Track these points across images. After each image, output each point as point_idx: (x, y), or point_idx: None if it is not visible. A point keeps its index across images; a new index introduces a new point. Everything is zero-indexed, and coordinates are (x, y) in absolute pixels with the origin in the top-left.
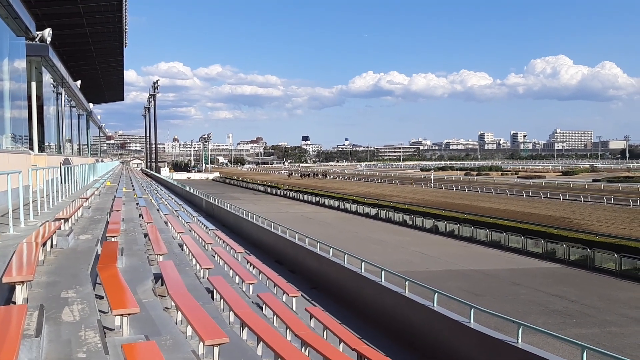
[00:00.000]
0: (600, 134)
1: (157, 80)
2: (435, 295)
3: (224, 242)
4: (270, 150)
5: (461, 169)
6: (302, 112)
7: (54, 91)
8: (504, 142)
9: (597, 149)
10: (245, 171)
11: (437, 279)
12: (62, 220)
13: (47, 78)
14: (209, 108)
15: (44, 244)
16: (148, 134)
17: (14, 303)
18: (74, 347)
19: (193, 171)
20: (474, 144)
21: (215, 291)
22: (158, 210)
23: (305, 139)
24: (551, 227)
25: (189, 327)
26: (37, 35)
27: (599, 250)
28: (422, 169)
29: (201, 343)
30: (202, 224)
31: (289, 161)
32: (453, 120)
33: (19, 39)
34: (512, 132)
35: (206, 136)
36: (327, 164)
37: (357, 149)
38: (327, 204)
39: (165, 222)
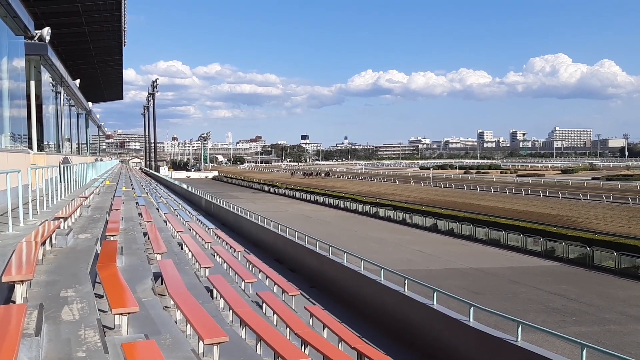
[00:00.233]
0: (599, 132)
1: (156, 79)
2: (435, 294)
3: (223, 241)
4: (270, 149)
5: (460, 168)
6: (301, 111)
7: (53, 90)
8: (503, 141)
9: (596, 147)
10: (245, 170)
11: (436, 277)
12: (62, 220)
13: (46, 77)
14: (208, 107)
15: (44, 243)
16: (147, 133)
17: (14, 302)
18: (73, 346)
19: (192, 170)
20: (473, 143)
21: (214, 290)
22: (157, 209)
23: (304, 137)
24: (550, 226)
25: (188, 326)
26: (36, 34)
27: (598, 249)
28: (421, 168)
29: (201, 342)
30: (202, 222)
31: (288, 160)
32: (452, 118)
33: (18, 37)
34: (511, 131)
35: (205, 135)
36: (327, 162)
37: (357, 147)
38: (326, 202)
39: (165, 221)
